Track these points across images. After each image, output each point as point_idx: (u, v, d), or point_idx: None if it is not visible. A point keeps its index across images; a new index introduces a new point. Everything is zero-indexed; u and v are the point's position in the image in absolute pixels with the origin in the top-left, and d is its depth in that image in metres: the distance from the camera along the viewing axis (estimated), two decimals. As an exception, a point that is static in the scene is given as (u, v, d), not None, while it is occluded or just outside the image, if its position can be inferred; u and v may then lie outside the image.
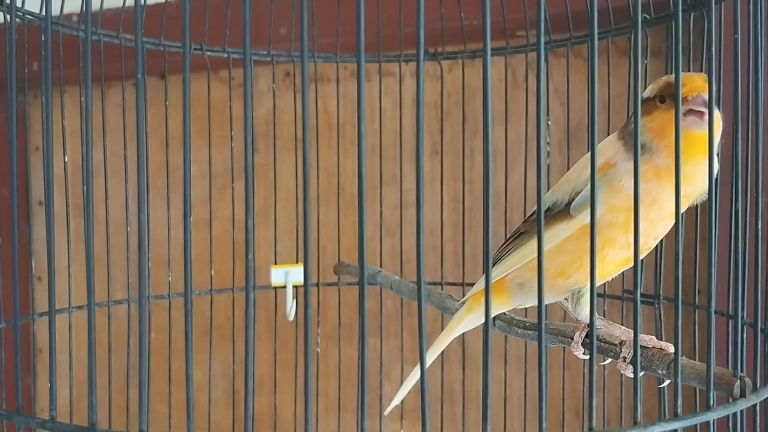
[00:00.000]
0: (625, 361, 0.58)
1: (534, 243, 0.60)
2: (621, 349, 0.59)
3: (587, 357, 0.65)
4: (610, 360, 0.63)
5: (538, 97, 0.36)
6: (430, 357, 0.69)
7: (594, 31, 0.37)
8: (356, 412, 1.07)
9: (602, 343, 0.61)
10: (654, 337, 0.58)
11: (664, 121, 0.54)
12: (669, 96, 0.55)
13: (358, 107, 0.33)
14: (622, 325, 0.62)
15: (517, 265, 0.62)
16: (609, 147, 0.59)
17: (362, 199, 0.33)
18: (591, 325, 0.39)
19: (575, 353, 0.64)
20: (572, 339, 0.64)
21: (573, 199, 0.58)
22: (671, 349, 0.56)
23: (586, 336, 0.63)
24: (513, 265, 0.62)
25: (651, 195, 0.55)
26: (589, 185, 0.55)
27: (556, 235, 0.59)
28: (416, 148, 0.32)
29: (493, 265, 0.64)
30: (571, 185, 0.59)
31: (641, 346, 0.59)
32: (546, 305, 0.43)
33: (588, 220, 0.54)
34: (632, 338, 0.57)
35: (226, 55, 0.98)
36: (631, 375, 0.59)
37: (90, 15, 0.41)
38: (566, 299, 0.66)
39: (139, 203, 0.38)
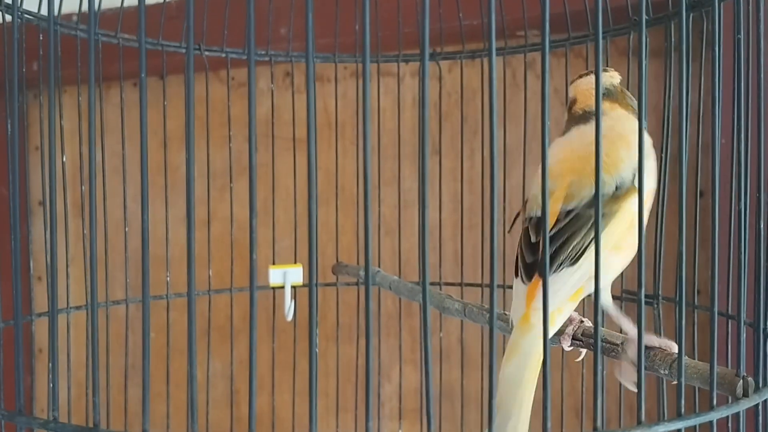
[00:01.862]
0: (632, 363, 0.58)
1: (616, 224, 0.60)
2: (622, 350, 0.59)
3: (571, 349, 0.65)
4: (585, 351, 0.65)
5: (543, 97, 0.36)
6: (530, 401, 0.55)
7: (598, 30, 0.37)
8: (355, 412, 1.07)
9: (603, 343, 0.61)
10: (654, 337, 0.58)
11: None
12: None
13: (364, 107, 0.33)
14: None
15: (605, 251, 0.61)
16: (635, 125, 0.63)
17: (367, 199, 0.33)
18: (596, 325, 0.39)
19: (562, 344, 0.64)
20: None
21: (635, 176, 0.61)
22: (674, 348, 0.57)
23: (582, 334, 0.64)
24: (602, 252, 0.59)
25: None
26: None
27: (628, 212, 0.61)
28: (421, 148, 0.32)
29: (578, 260, 0.60)
30: (627, 163, 0.62)
31: (645, 347, 0.59)
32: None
33: (647, 189, 0.61)
34: (636, 336, 0.59)
35: (224, 55, 0.98)
36: (632, 388, 0.59)
37: (94, 15, 0.41)
38: None
39: (143, 204, 0.38)
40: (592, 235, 0.60)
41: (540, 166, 0.40)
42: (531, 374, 0.55)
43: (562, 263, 0.60)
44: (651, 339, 0.58)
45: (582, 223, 0.61)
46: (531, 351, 0.56)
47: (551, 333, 0.61)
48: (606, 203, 0.61)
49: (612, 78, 0.69)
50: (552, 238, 0.61)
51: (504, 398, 0.55)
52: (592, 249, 0.60)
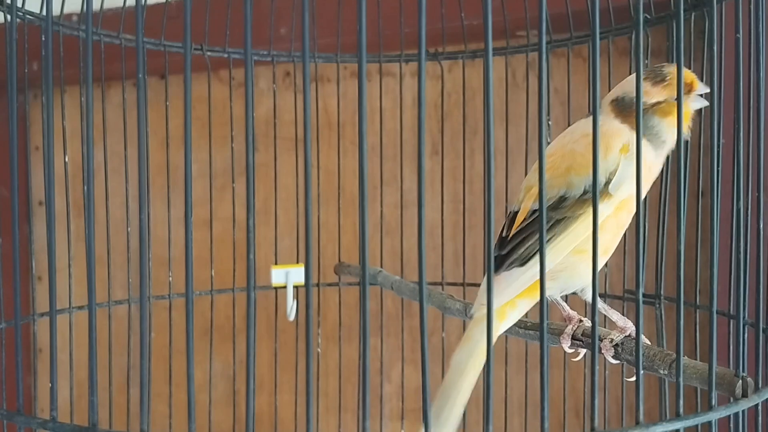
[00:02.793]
0: (611, 342, 0.60)
1: (578, 228, 0.60)
2: (622, 350, 0.60)
3: (572, 351, 0.66)
4: (584, 351, 0.66)
5: (540, 96, 0.36)
6: (469, 388, 0.60)
7: (596, 30, 0.37)
8: (356, 412, 1.07)
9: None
10: (617, 315, 0.61)
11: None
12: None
13: (359, 108, 0.33)
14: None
15: (563, 255, 0.61)
16: (618, 130, 0.62)
17: (364, 199, 0.33)
18: (593, 324, 0.39)
19: (562, 344, 0.64)
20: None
21: (610, 180, 0.60)
22: (629, 328, 0.60)
23: (582, 334, 0.64)
24: (559, 255, 0.61)
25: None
26: (622, 165, 0.61)
27: (600, 215, 0.60)
28: (417, 148, 0.32)
29: (527, 261, 0.61)
30: (600, 166, 0.61)
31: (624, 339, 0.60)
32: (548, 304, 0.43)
33: (624, 195, 0.60)
34: (627, 326, 0.61)
35: (226, 56, 0.98)
36: (612, 359, 0.60)
37: (90, 15, 0.41)
38: (561, 296, 0.67)
39: (140, 203, 0.38)
40: (547, 237, 0.61)
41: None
42: (475, 364, 0.59)
43: (512, 263, 0.61)
44: (613, 314, 0.62)
45: (525, 227, 0.63)
46: (478, 342, 0.59)
47: (504, 328, 0.63)
48: (571, 206, 0.61)
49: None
50: (513, 237, 0.62)
51: (448, 383, 0.59)
52: (545, 252, 0.60)
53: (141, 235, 0.37)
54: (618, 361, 0.61)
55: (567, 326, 0.65)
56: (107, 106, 0.94)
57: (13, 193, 0.46)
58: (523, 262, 0.61)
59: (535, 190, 0.64)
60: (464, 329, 1.01)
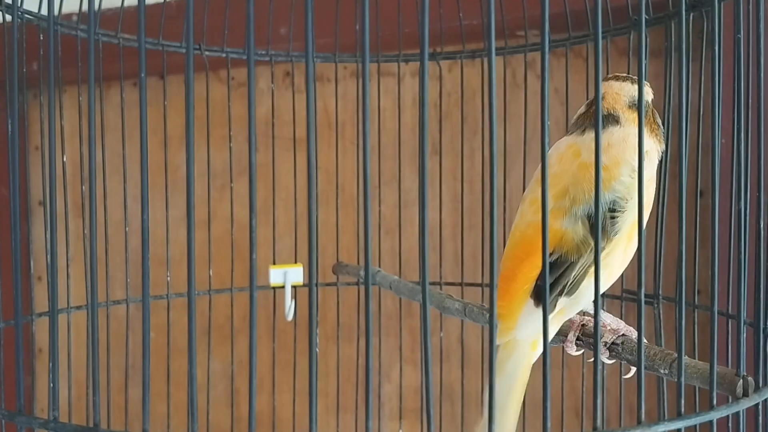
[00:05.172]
0: (605, 345, 0.60)
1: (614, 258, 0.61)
2: (622, 350, 0.60)
3: (580, 353, 0.66)
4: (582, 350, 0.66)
5: (543, 96, 0.36)
6: (515, 415, 0.59)
7: (598, 29, 0.37)
8: (355, 412, 1.07)
9: (592, 340, 0.62)
10: (609, 318, 0.61)
11: None
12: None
13: (363, 107, 0.33)
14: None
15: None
16: (629, 146, 0.62)
17: (367, 198, 0.33)
18: (596, 327, 0.39)
19: (568, 351, 0.64)
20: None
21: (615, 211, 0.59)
22: (621, 328, 0.60)
23: (584, 335, 0.64)
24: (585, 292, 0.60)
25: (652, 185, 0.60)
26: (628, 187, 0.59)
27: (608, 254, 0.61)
28: (421, 148, 0.32)
29: (573, 292, 0.59)
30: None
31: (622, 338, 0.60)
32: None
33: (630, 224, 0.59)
34: (620, 327, 0.60)
35: (224, 55, 0.98)
36: (607, 360, 0.60)
37: (93, 15, 0.41)
38: None
39: (143, 203, 0.38)
40: (584, 269, 0.59)
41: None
42: (513, 398, 0.58)
43: (560, 293, 0.59)
44: (606, 317, 0.61)
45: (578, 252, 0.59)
46: (520, 376, 0.59)
47: (537, 355, 0.60)
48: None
49: (646, 94, 0.63)
50: (554, 265, 0.58)
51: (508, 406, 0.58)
52: (574, 295, 0.59)
53: (143, 236, 0.37)
54: (612, 361, 0.61)
55: (569, 331, 0.65)
56: (106, 106, 0.94)
57: (13, 193, 0.46)
58: (570, 291, 0.59)
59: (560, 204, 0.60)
60: (462, 329, 1.02)
